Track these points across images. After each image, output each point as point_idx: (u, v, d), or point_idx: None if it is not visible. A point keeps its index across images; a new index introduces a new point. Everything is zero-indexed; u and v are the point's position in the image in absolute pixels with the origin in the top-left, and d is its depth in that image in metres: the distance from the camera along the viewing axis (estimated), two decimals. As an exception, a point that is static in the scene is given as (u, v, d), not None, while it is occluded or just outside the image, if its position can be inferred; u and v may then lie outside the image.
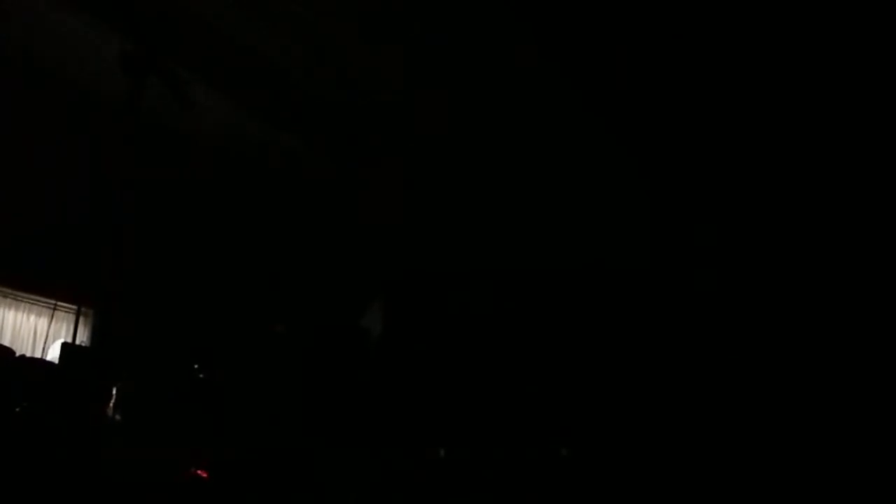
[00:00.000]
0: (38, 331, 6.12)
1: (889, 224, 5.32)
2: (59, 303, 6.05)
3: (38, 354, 5.69)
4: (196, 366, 5.14)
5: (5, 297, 6.18)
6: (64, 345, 4.91)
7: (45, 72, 6.46)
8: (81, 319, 5.54)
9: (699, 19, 5.55)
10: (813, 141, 5.75)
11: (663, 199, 6.48)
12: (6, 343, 5.56)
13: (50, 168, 6.39)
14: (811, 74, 5.63)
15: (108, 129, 5.52)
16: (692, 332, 5.80)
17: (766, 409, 5.37)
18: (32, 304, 6.21)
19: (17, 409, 4.25)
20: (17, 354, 4.87)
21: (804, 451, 5.17)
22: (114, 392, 4.70)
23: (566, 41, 5.99)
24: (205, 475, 4.75)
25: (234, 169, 7.79)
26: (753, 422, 5.38)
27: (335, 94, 6.87)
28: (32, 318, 6.20)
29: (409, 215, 7.62)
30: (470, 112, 6.82)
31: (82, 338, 5.66)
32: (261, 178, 7.91)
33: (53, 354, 4.97)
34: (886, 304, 5.19)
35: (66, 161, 6.47)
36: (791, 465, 5.12)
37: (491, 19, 5.87)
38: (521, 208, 7.08)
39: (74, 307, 5.63)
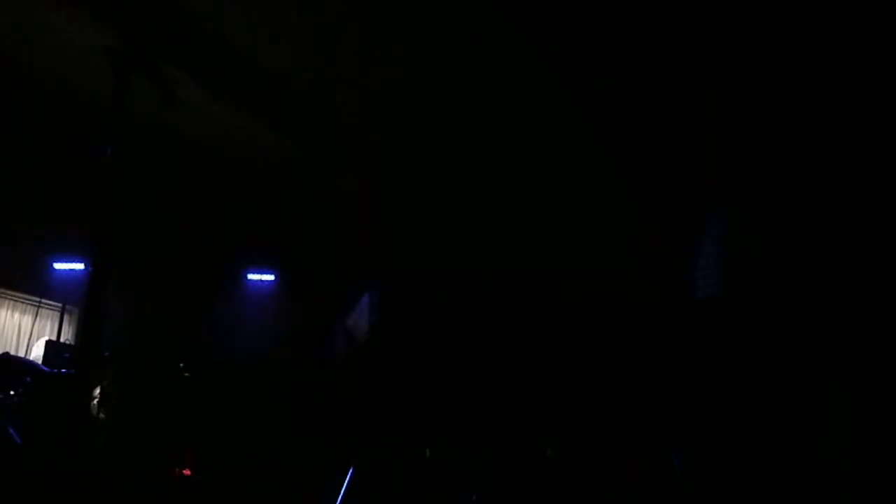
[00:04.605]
0: (22, 328, 6.14)
1: (888, 225, 5.21)
2: (44, 300, 6.06)
3: (22, 351, 5.72)
4: (182, 364, 5.11)
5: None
6: (48, 342, 4.93)
7: (44, 72, 6.49)
8: (66, 317, 5.55)
9: (699, 20, 5.46)
10: (812, 143, 5.65)
11: (663, 200, 6.40)
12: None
13: (48, 167, 6.43)
14: (811, 77, 5.52)
15: (105, 128, 5.54)
16: (688, 333, 5.71)
17: (762, 411, 5.28)
18: (17, 301, 6.23)
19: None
20: (2, 352, 4.90)
21: (801, 454, 5.07)
22: (98, 391, 4.70)
23: (566, 41, 5.93)
24: (189, 473, 4.74)
25: (232, 168, 7.78)
26: (750, 423, 5.29)
27: (333, 94, 6.84)
28: (17, 315, 6.22)
29: (405, 215, 7.57)
30: (469, 112, 6.76)
31: (67, 335, 5.67)
32: (259, 177, 7.90)
33: (38, 352, 4.98)
34: (885, 306, 5.08)
35: (65, 160, 6.50)
36: (787, 468, 5.03)
37: (491, 19, 5.82)
38: (520, 208, 7.01)
39: (59, 305, 5.64)
